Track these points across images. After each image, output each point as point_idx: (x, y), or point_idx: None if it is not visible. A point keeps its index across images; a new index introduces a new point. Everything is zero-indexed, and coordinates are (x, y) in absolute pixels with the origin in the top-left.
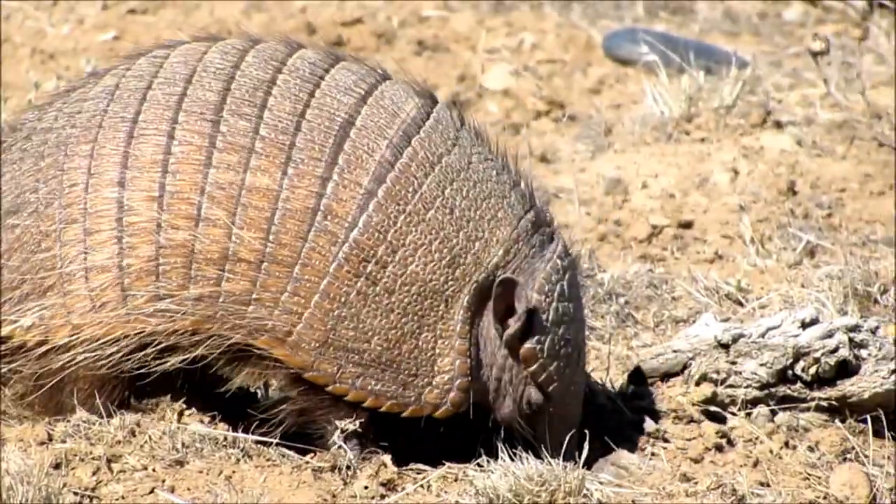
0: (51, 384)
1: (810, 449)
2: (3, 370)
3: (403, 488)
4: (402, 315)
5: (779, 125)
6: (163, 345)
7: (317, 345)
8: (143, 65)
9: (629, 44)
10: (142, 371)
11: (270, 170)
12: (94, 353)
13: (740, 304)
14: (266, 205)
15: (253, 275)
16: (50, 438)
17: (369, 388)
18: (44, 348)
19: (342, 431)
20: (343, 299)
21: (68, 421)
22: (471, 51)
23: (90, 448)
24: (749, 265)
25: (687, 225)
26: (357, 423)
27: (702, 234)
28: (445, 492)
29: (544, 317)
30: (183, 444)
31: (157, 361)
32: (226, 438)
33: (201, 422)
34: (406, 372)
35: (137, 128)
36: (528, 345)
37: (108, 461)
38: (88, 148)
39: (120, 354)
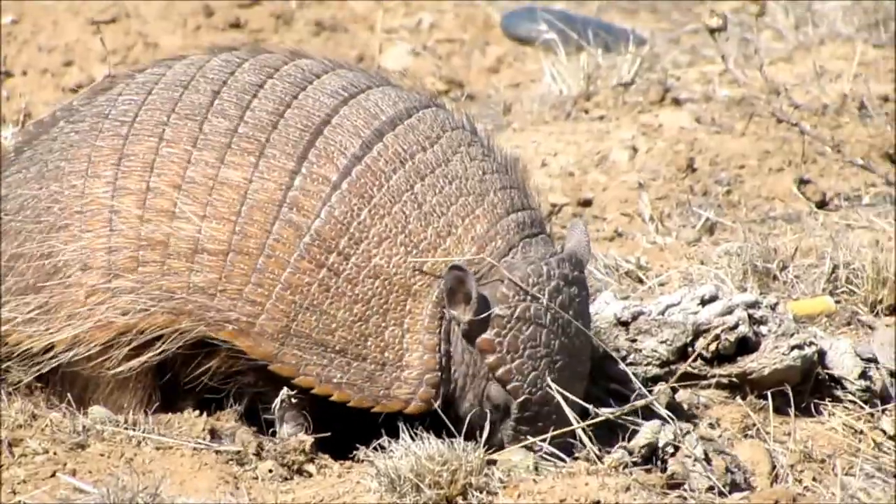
0: (73, 383)
1: (711, 426)
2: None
3: (306, 470)
4: (366, 308)
5: (677, 102)
6: (135, 342)
7: (280, 336)
8: (146, 74)
9: (527, 22)
10: (124, 369)
11: (243, 164)
12: (86, 350)
13: (640, 281)
14: (235, 198)
15: (219, 266)
16: None
17: (335, 380)
18: (50, 347)
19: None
20: (305, 290)
21: None
22: (369, 31)
23: None
24: (648, 243)
25: (586, 203)
26: (296, 422)
27: (601, 213)
28: (348, 471)
29: (509, 312)
30: (84, 428)
31: (129, 360)
32: (126, 421)
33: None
34: (373, 366)
35: (132, 130)
36: (485, 335)
37: (10, 445)
38: (87, 151)
39: (95, 352)
